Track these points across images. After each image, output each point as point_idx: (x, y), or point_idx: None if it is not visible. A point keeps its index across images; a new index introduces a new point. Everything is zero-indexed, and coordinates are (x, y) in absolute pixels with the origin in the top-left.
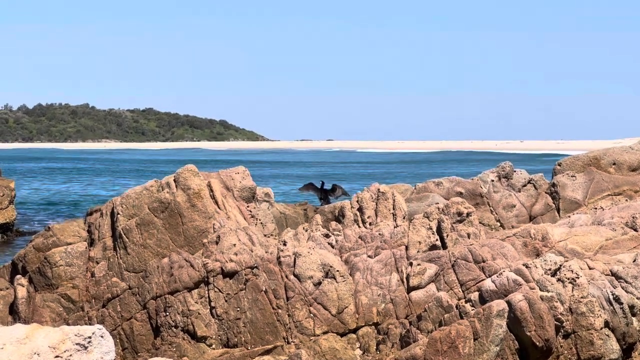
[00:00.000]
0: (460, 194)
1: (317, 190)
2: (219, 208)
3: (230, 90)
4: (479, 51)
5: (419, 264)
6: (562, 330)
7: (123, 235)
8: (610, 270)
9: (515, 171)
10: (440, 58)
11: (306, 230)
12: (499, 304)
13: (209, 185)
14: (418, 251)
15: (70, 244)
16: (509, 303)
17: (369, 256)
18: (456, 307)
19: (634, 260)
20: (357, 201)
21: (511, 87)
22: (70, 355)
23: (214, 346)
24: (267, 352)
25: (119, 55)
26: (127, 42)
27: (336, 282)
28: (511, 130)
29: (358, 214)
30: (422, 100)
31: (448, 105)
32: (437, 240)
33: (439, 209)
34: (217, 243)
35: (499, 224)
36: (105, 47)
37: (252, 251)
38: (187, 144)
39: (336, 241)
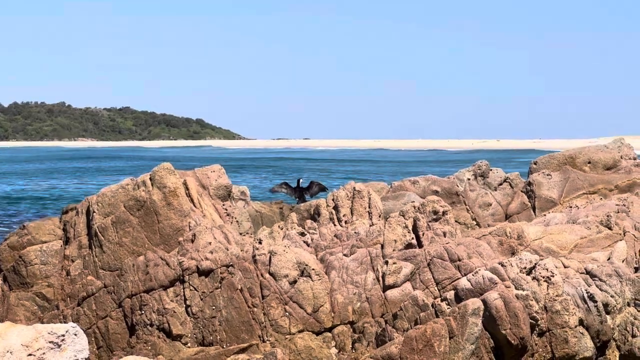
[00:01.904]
0: (436, 193)
1: (292, 190)
2: (195, 206)
3: (207, 91)
4: (448, 48)
5: (394, 263)
6: (537, 329)
7: (99, 233)
8: (585, 269)
9: (491, 170)
10: (417, 55)
11: (282, 229)
12: (474, 303)
13: (185, 184)
14: (394, 250)
15: (45, 242)
16: (484, 301)
17: (344, 255)
18: (432, 305)
19: (608, 259)
20: (333, 199)
21: (490, 86)
22: (44, 353)
23: (189, 345)
24: (242, 350)
25: (96, 53)
26: (104, 40)
27: (312, 280)
28: (488, 129)
29: (334, 212)
30: (401, 99)
31: (427, 105)
32: (412, 238)
33: (415, 207)
34: (192, 241)
35: (475, 223)
36: (81, 44)
37: (227, 249)
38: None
39: (312, 239)
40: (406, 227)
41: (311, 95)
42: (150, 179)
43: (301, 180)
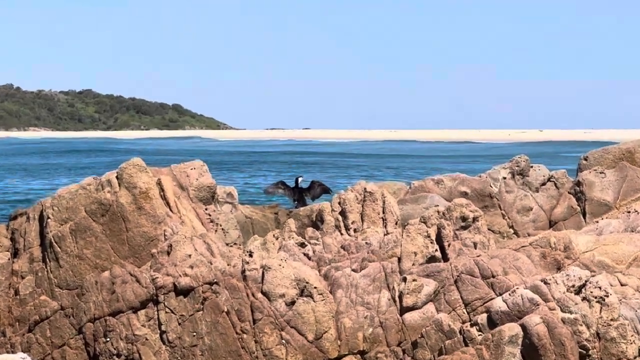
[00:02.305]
0: (465, 195)
1: (289, 190)
2: (171, 211)
3: (185, 70)
4: (478, 26)
5: (414, 280)
6: None
7: (54, 244)
8: None
9: (532, 167)
10: (441, 31)
11: (277, 238)
12: (511, 328)
13: (159, 184)
14: (413, 264)
15: None
16: (523, 327)
17: (353, 270)
18: (460, 331)
19: None
20: (340, 203)
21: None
22: None
23: None
24: None
25: (49, 26)
26: (59, 10)
27: (313, 301)
28: (528, 117)
29: (340, 218)
30: (417, 83)
31: (455, 89)
32: (436, 250)
33: (439, 212)
34: (168, 253)
35: (512, 231)
36: (34, 18)
37: (211, 263)
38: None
39: (313, 251)
40: (428, 236)
41: (310, 78)
42: (117, 177)
43: (300, 180)
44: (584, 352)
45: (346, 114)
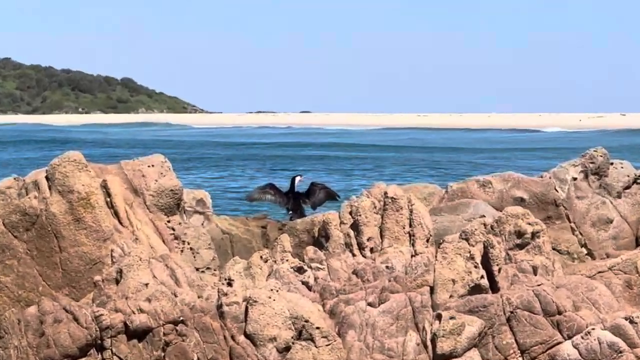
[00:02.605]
0: (521, 201)
1: (282, 196)
2: (121, 224)
3: (139, 33)
4: None
5: (452, 318)
6: None
7: None
8: None
9: (612, 163)
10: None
11: (266, 261)
12: None
13: (105, 187)
14: (451, 295)
15: None
16: None
17: (369, 304)
18: None
19: None
20: (351, 213)
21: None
22: None
23: None
24: None
25: None
26: None
27: (315, 346)
28: (606, 98)
29: (352, 233)
30: (457, 52)
31: (500, 65)
32: (482, 277)
33: (485, 225)
34: (117, 282)
35: (585, 251)
36: None
37: (175, 295)
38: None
39: (316, 279)
40: (472, 258)
41: (308, 46)
42: (48, 178)
43: (298, 181)
44: None
45: (358, 94)
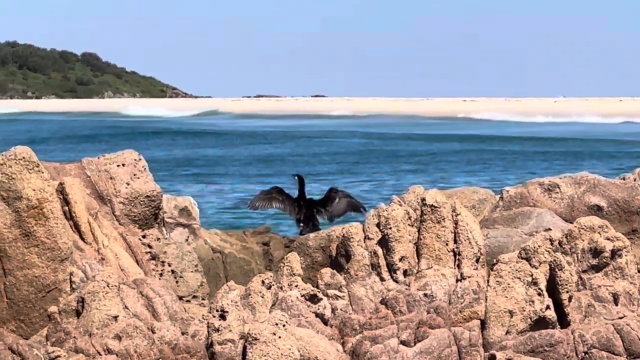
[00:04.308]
0: (598, 210)
1: (291, 202)
2: (83, 239)
3: (106, 2)
4: None
5: (510, 359)
6: None
7: None
8: None
9: None
10: None
11: (269, 288)
12: None
13: (62, 191)
14: (508, 331)
15: None
16: None
17: (402, 342)
18: None
19: None
20: (379, 225)
21: None
22: None
23: None
24: None
25: None
26: None
27: None
28: None
29: (380, 251)
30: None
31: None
32: (547, 307)
33: (552, 241)
34: (78, 314)
35: None
36: None
37: (152, 332)
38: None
39: (333, 310)
40: (534, 283)
41: (320, 13)
42: None
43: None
44: None
45: (379, 74)
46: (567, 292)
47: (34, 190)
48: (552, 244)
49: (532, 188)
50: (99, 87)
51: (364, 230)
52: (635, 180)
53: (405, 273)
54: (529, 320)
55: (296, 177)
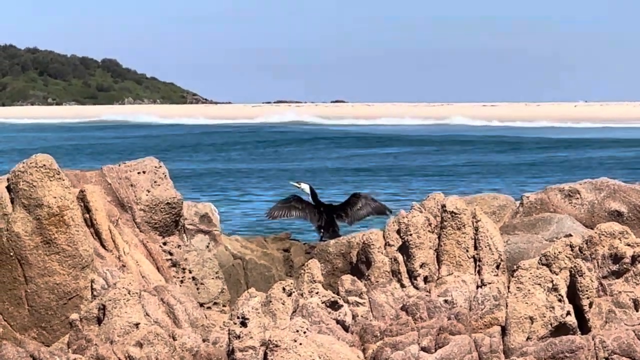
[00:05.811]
0: (618, 216)
1: (311, 209)
2: (104, 246)
3: (124, 5)
4: None
5: None
6: None
7: None
8: None
9: None
10: None
11: (290, 295)
12: None
13: (83, 199)
14: (529, 337)
15: None
16: None
17: (423, 349)
18: None
19: None
20: (400, 232)
21: None
22: None
23: None
24: None
25: None
26: None
27: None
28: None
29: (400, 258)
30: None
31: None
32: (568, 313)
33: (572, 247)
34: (99, 321)
35: None
36: None
37: (174, 338)
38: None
39: (354, 317)
40: (555, 289)
41: (343, 20)
42: (9, 189)
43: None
44: None
45: (403, 82)
46: (588, 298)
47: (55, 197)
48: (572, 250)
49: (552, 194)
50: (119, 94)
51: (384, 237)
52: None
53: (425, 279)
54: (549, 326)
55: (307, 185)
